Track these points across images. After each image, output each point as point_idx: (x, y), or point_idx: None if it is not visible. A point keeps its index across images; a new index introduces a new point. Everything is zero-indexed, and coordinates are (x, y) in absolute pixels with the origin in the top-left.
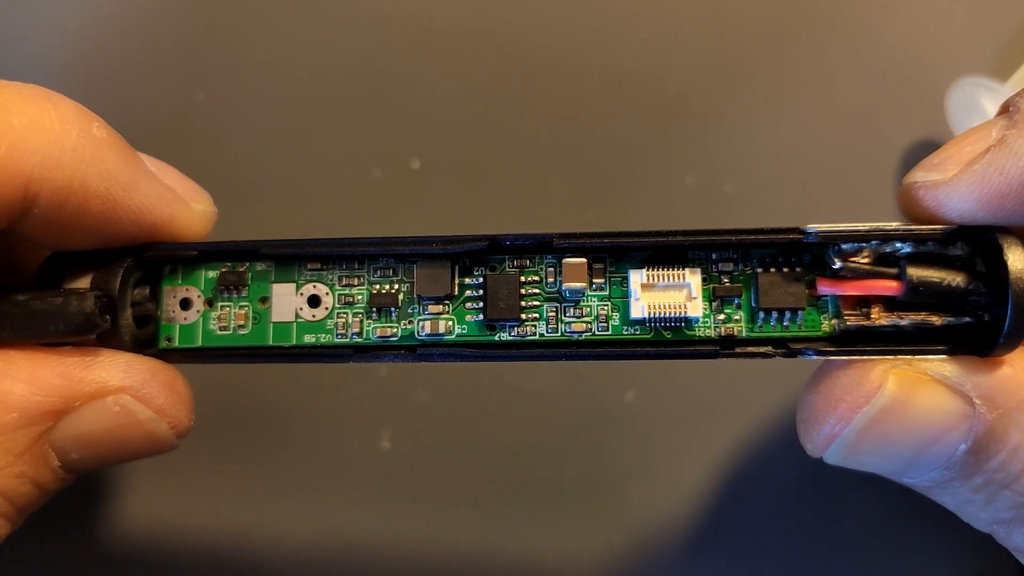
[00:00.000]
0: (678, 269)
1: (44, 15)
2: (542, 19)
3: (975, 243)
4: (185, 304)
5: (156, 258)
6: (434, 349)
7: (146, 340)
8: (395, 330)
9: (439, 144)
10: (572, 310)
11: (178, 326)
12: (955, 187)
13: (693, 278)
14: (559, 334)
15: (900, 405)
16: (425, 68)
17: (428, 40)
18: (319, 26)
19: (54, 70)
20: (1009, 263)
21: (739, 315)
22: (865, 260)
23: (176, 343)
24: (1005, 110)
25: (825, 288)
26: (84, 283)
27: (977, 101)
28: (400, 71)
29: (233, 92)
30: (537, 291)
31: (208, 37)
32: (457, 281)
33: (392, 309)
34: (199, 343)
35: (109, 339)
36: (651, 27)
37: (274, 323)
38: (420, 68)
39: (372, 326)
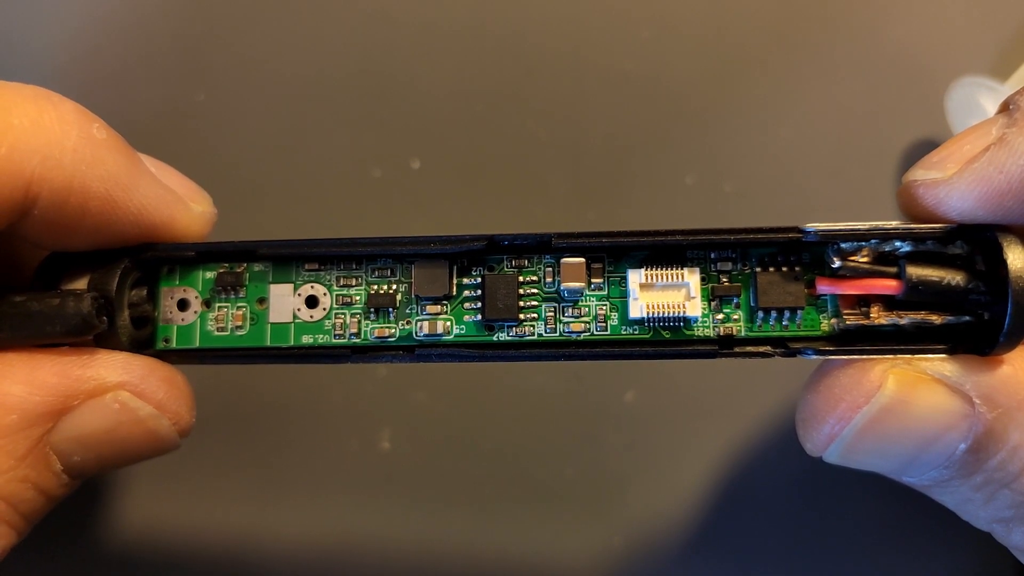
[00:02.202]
0: (677, 269)
1: (44, 15)
2: (542, 19)
3: (974, 242)
4: (183, 305)
5: (154, 259)
6: (432, 349)
7: (143, 341)
8: (393, 330)
9: (439, 144)
10: (570, 310)
11: (175, 327)
12: (955, 185)
13: (692, 277)
14: (557, 334)
15: (900, 404)
16: (425, 68)
17: (428, 40)
18: (319, 26)
19: (54, 70)
20: (1009, 262)
21: (738, 315)
22: (864, 259)
23: (173, 344)
24: (1005, 108)
25: (824, 287)
26: (81, 284)
27: (977, 100)
28: (400, 71)
29: (233, 92)
30: (535, 291)
31: (208, 37)
32: (455, 281)
33: (390, 309)
34: (196, 344)
35: (106, 340)
36: (651, 27)
37: (272, 324)
38: (420, 68)
39: (370, 326)
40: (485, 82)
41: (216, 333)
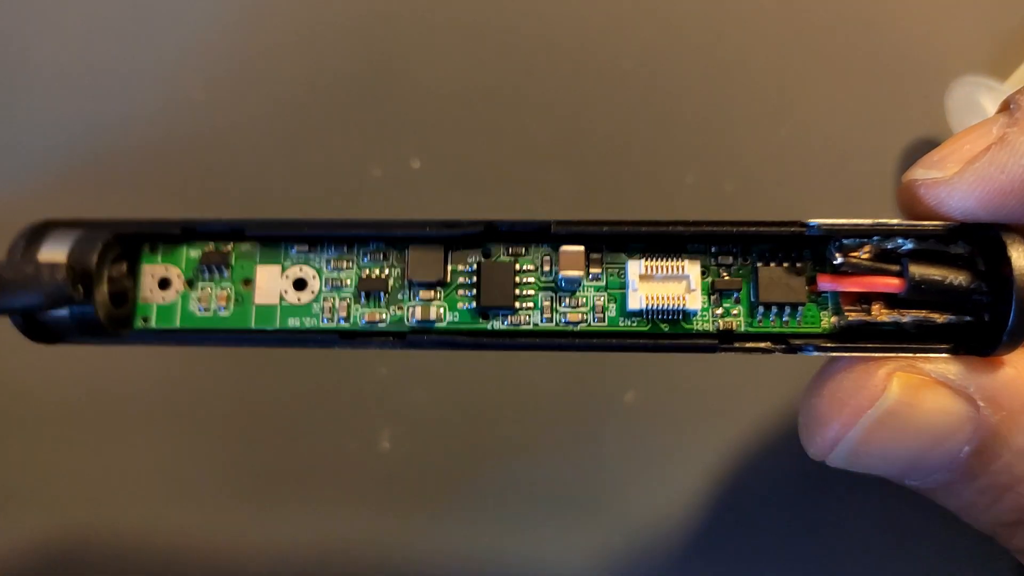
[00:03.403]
0: (677, 260)
1: (44, 15)
2: (542, 19)
3: (977, 240)
4: (164, 284)
5: (136, 235)
6: (424, 336)
7: (122, 319)
8: (384, 315)
9: (439, 144)
10: (568, 300)
11: (155, 306)
12: (955, 185)
13: (692, 269)
14: (554, 324)
15: (905, 408)
16: (425, 68)
17: (428, 39)
18: (319, 26)
19: (55, 71)
20: (1012, 261)
21: (738, 309)
22: (866, 256)
23: (153, 324)
24: (1006, 107)
25: (826, 284)
26: (60, 256)
27: (976, 100)
28: (400, 71)
29: (233, 92)
30: (532, 280)
31: (208, 37)
32: (450, 267)
33: (381, 294)
34: (177, 324)
35: (83, 314)
36: (651, 27)
37: (257, 306)
38: (420, 68)
39: (360, 311)
40: (485, 82)
41: (199, 314)
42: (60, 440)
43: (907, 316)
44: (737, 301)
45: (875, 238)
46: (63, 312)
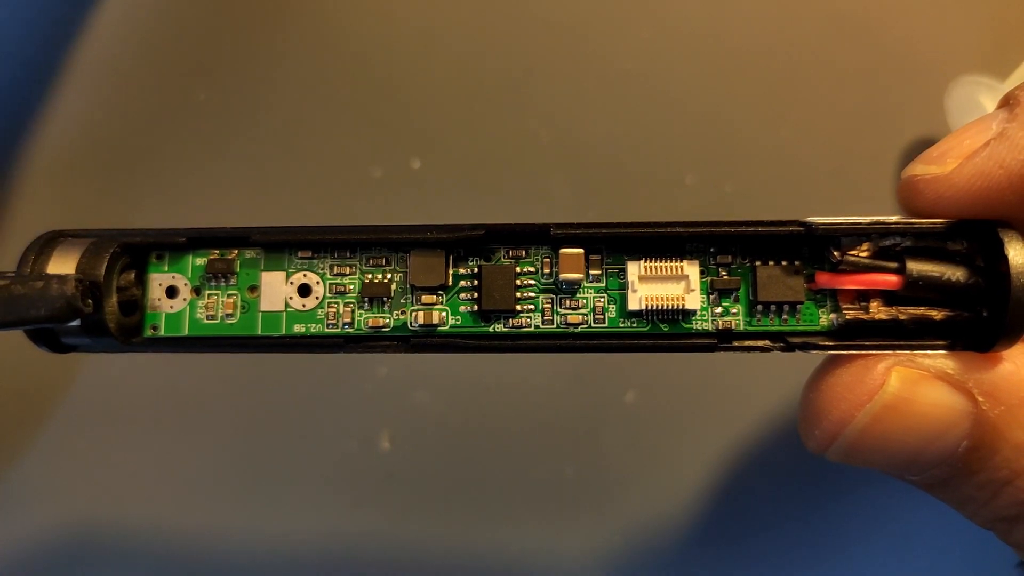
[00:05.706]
0: (676, 261)
1: (43, 15)
2: (542, 19)
3: (975, 237)
4: (171, 292)
5: (143, 244)
6: (427, 340)
7: (132, 328)
8: (387, 320)
9: (439, 144)
10: (568, 302)
11: (164, 314)
12: (955, 181)
13: (691, 270)
14: (555, 326)
15: (903, 402)
16: (425, 68)
17: (428, 40)
18: (319, 26)
19: (56, 70)
20: (1009, 258)
21: (737, 308)
22: (864, 254)
23: (162, 332)
24: (1005, 103)
25: (824, 282)
26: (69, 267)
27: (976, 99)
28: (400, 71)
29: (233, 92)
30: (533, 282)
31: (208, 37)
32: (451, 271)
33: (384, 299)
34: (185, 332)
35: (94, 325)
36: (651, 27)
37: (263, 312)
38: (420, 68)
39: (364, 316)
40: (485, 82)
41: (206, 321)
42: (67, 439)
43: (905, 313)
44: (736, 300)
45: (873, 236)
46: (74, 323)
